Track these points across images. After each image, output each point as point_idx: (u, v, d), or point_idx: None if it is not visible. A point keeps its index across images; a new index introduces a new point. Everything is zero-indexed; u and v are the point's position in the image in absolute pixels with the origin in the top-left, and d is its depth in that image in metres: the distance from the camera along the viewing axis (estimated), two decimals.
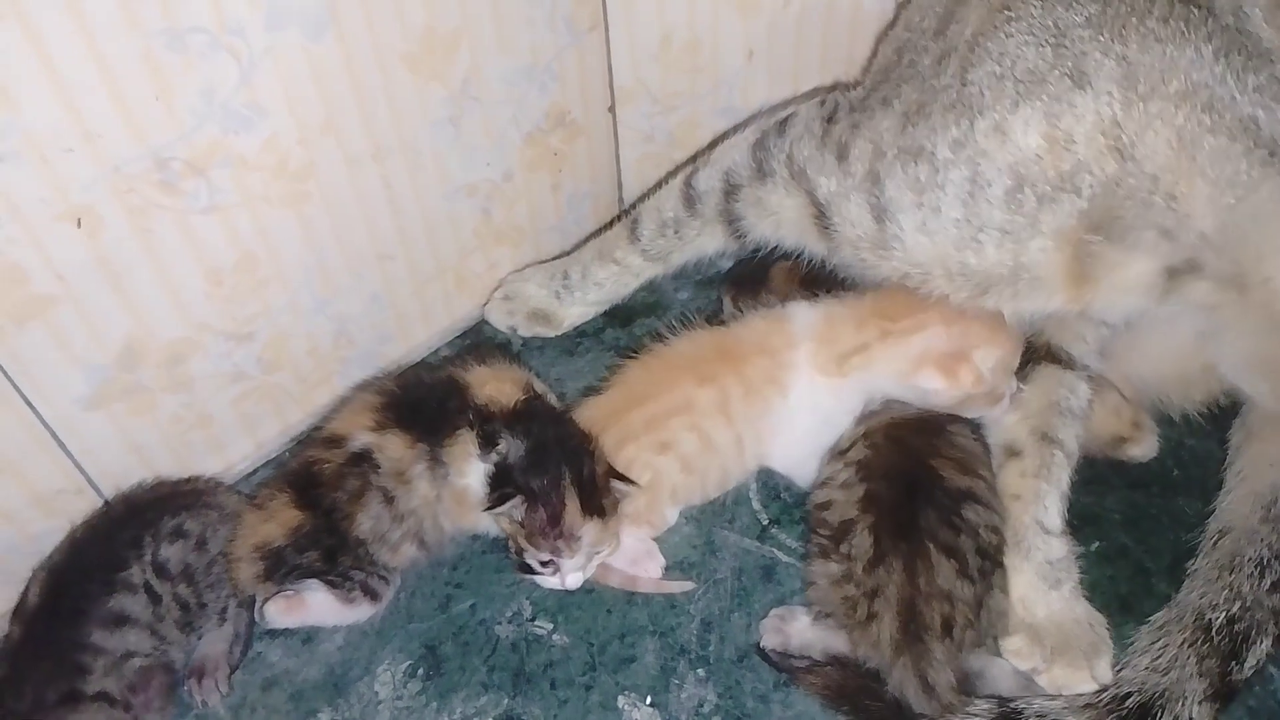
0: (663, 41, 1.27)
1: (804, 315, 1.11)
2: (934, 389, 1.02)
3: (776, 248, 1.13)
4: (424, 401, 1.06)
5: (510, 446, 1.02)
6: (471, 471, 1.03)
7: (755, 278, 1.21)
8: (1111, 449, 1.13)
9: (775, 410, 1.09)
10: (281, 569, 1.01)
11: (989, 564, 0.96)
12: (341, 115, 1.03)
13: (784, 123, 1.09)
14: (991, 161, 0.91)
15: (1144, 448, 1.14)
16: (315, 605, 1.03)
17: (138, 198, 0.94)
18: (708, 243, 1.19)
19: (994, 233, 0.92)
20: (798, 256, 1.12)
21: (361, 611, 1.05)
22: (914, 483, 0.98)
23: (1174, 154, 0.84)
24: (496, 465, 1.02)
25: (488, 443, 1.03)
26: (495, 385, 1.07)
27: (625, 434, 1.07)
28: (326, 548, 1.02)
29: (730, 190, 1.12)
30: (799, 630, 1.00)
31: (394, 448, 1.03)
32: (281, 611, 1.03)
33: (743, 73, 1.32)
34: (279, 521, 1.01)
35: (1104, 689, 0.93)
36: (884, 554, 0.94)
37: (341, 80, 1.01)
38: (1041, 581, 0.98)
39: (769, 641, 1.01)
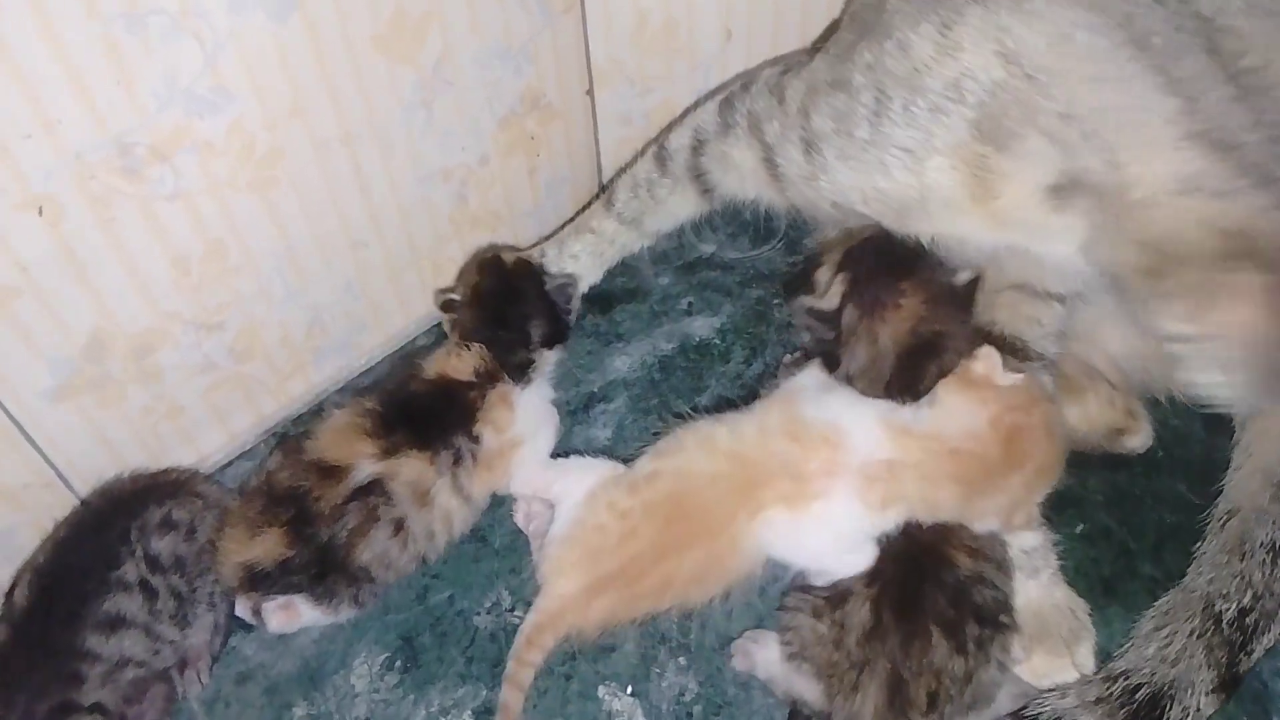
0: (639, 23, 1.25)
1: (863, 433, 0.92)
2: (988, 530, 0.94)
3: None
4: (421, 410, 1.04)
5: (534, 328, 1.13)
6: (519, 407, 1.08)
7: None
8: (1108, 442, 1.11)
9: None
10: (266, 585, 0.99)
11: (988, 631, 0.90)
12: (309, 99, 1.01)
13: (749, 82, 1.12)
14: (892, 77, 0.92)
15: (1141, 438, 1.11)
16: (305, 613, 1.01)
17: (100, 185, 0.92)
18: (679, 204, 1.21)
19: (897, 152, 0.92)
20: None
21: (347, 614, 1.04)
22: (924, 565, 0.92)
23: (1050, 51, 0.84)
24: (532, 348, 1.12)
25: (521, 371, 1.10)
26: (454, 357, 1.08)
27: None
28: (315, 574, 0.99)
29: (698, 146, 1.15)
30: (767, 660, 0.96)
31: (411, 470, 1.01)
32: (278, 620, 1.01)
33: (721, 54, 1.31)
34: (265, 549, 0.98)
35: (1113, 681, 0.91)
36: (883, 631, 0.89)
37: (309, 63, 0.99)
38: (1018, 571, 0.97)
39: (737, 664, 0.99)
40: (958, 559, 0.92)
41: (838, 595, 0.92)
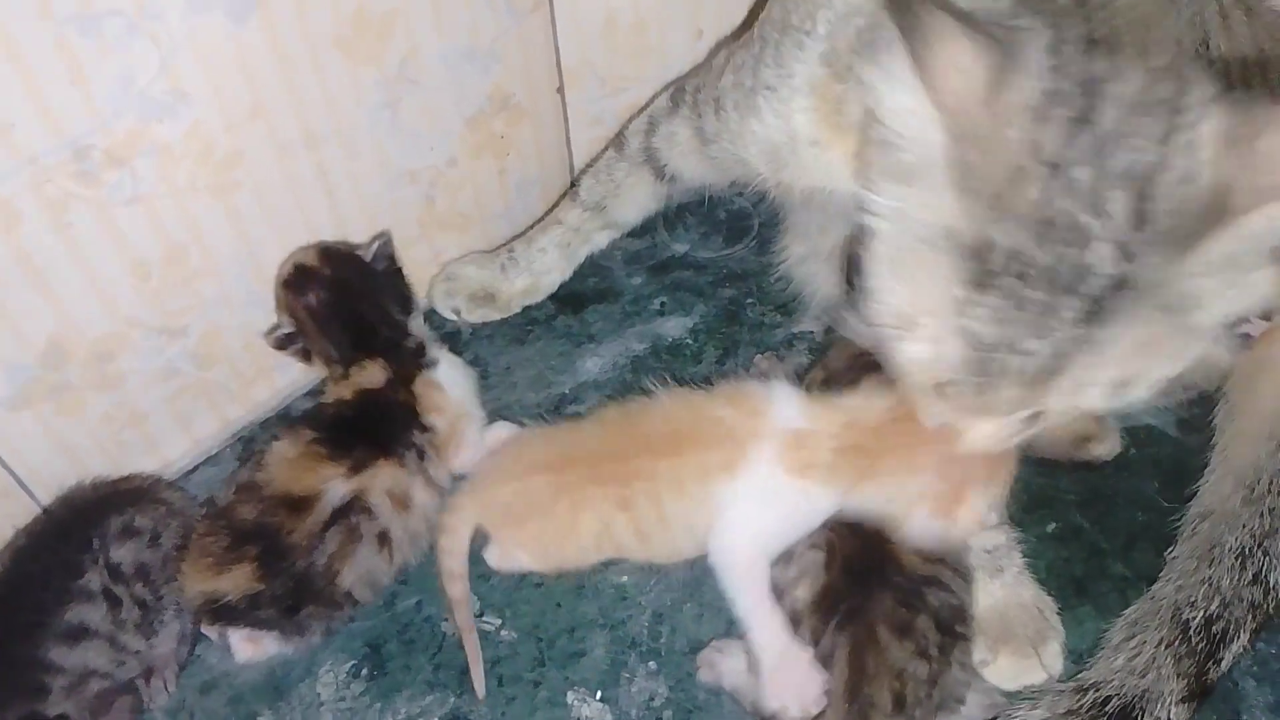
0: (608, 22, 1.24)
1: (787, 407, 0.95)
2: (930, 531, 0.91)
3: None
4: (365, 423, 1.03)
5: (390, 304, 1.10)
6: (446, 384, 1.08)
7: None
8: (1075, 449, 1.09)
9: (721, 497, 0.95)
10: (232, 617, 0.97)
11: (949, 639, 0.90)
12: (270, 101, 1.00)
13: (700, 66, 1.16)
14: (772, 21, 0.94)
15: (1107, 446, 1.09)
16: (272, 646, 1.00)
17: (56, 189, 0.91)
18: (637, 186, 1.23)
19: (765, 93, 0.93)
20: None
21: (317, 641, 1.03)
22: (869, 569, 0.91)
23: None
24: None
25: (420, 354, 1.09)
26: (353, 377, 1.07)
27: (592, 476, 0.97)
28: (288, 607, 0.97)
29: (650, 128, 1.18)
30: (733, 671, 0.95)
31: (385, 478, 1.00)
32: (245, 651, 1.00)
33: (691, 53, 1.30)
34: (233, 582, 0.95)
35: (1082, 693, 0.90)
36: (830, 646, 0.88)
37: (269, 65, 0.98)
38: (979, 571, 0.96)
39: (703, 676, 0.97)
40: (904, 557, 0.91)
41: (794, 613, 0.91)
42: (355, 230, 1.15)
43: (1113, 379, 0.69)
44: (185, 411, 1.14)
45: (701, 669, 0.98)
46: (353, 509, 0.98)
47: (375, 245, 1.11)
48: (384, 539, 1.00)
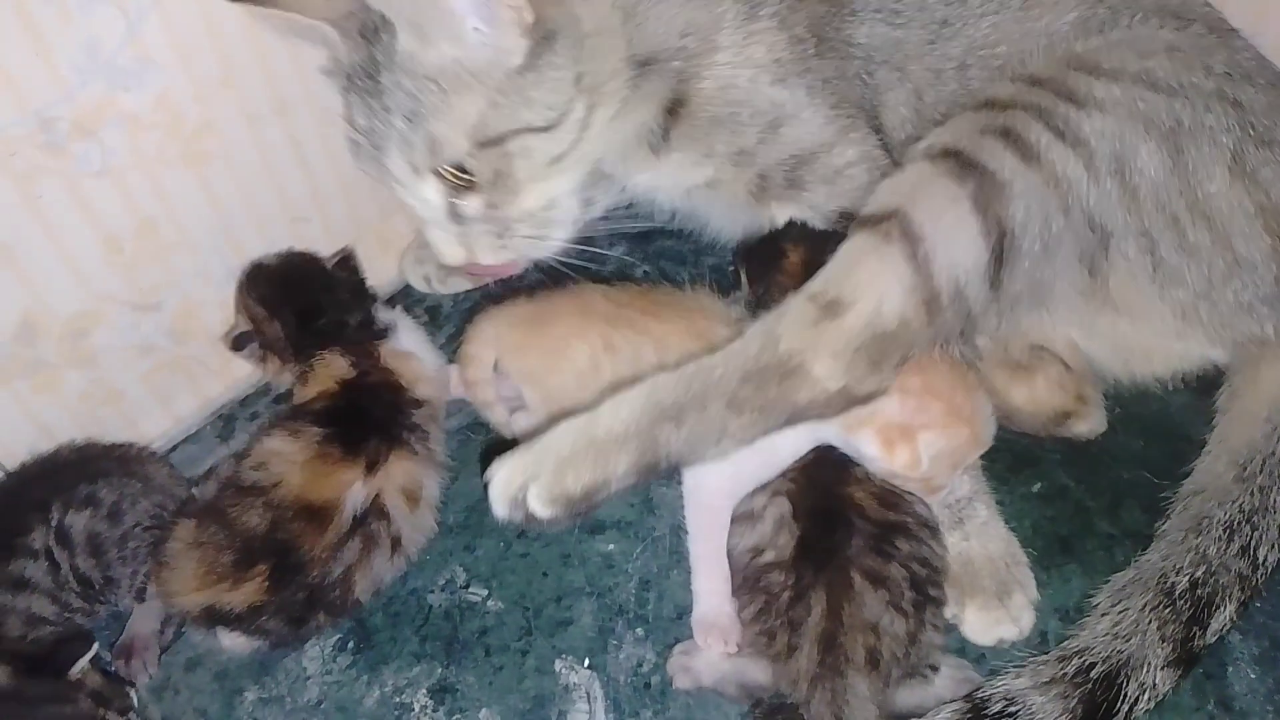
0: None
1: None
2: (868, 456, 0.93)
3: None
4: (365, 411, 1.02)
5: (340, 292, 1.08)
6: (413, 349, 1.09)
7: (769, 254, 1.06)
8: (1055, 425, 1.08)
9: None
10: (231, 623, 0.95)
11: (922, 597, 0.90)
12: (240, 69, 0.98)
13: None
14: None
15: (1091, 423, 1.08)
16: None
17: (23, 162, 0.89)
18: None
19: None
20: (812, 235, 1.05)
21: None
22: (833, 513, 0.92)
23: None
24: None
25: (366, 327, 1.07)
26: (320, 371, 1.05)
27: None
28: (293, 619, 0.95)
29: None
30: (710, 663, 0.93)
31: (400, 473, 0.99)
32: (235, 644, 0.98)
33: None
34: (241, 595, 0.92)
35: (1066, 660, 0.89)
36: (805, 588, 0.88)
37: (237, 32, 0.96)
38: (943, 525, 0.96)
39: (679, 683, 0.94)
40: (863, 500, 0.92)
41: (755, 570, 0.92)
42: (329, 199, 1.14)
43: (428, 132, 0.91)
44: (163, 388, 1.12)
45: (676, 677, 0.94)
46: (370, 514, 0.97)
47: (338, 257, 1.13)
48: (396, 543, 0.99)
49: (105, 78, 0.90)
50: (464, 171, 0.94)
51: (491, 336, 1.05)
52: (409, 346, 1.08)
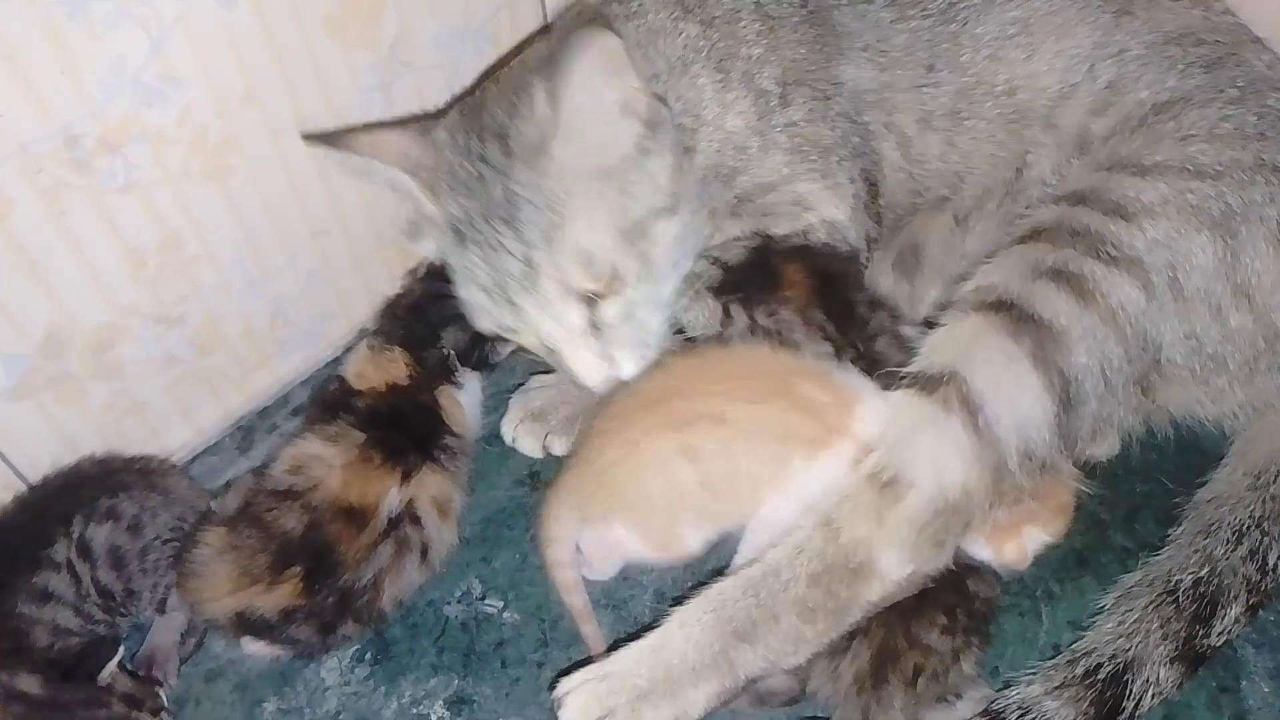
0: None
1: (874, 410, 0.92)
2: (979, 555, 0.95)
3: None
4: (404, 423, 1.03)
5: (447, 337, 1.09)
6: (464, 396, 1.09)
7: (764, 279, 1.02)
8: None
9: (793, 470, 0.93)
10: (262, 631, 0.96)
11: (974, 623, 0.93)
12: (262, 85, 0.99)
13: None
14: None
15: (1105, 447, 1.07)
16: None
17: (49, 178, 0.90)
18: None
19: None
20: (806, 252, 1.04)
21: None
22: None
23: None
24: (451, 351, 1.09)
25: (447, 366, 1.08)
26: (370, 366, 1.07)
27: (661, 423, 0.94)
28: (324, 624, 0.96)
29: None
30: None
31: (432, 484, 1.01)
32: (258, 650, 0.99)
33: None
34: (275, 598, 0.94)
35: (1074, 664, 0.91)
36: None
37: (260, 48, 0.97)
38: None
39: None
40: None
41: None
42: (351, 213, 1.15)
43: (576, 246, 0.92)
44: (186, 400, 1.13)
45: None
46: (403, 519, 0.98)
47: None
48: (425, 551, 1.00)
49: (130, 94, 0.91)
50: (615, 274, 0.93)
51: (570, 504, 0.96)
52: (463, 402, 1.09)
